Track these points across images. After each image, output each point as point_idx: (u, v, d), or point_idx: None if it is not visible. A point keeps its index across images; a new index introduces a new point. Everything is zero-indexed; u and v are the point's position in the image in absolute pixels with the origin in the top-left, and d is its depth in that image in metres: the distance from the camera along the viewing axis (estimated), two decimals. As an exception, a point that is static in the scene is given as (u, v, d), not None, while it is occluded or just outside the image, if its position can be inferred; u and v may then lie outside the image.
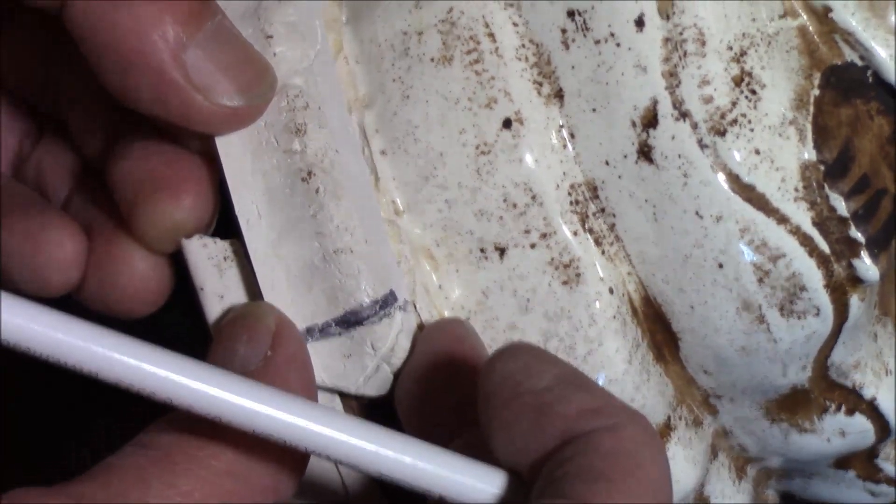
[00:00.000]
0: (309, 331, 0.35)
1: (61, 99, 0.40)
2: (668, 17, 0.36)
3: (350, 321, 0.35)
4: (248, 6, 0.37)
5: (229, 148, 0.36)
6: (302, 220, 0.35)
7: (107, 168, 0.37)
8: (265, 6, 0.37)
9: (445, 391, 0.35)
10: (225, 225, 0.37)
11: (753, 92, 0.36)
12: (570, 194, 0.38)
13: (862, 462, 0.43)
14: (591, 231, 0.38)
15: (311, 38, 0.37)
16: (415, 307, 0.37)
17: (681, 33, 0.36)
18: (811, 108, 0.37)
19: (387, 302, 0.35)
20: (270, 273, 0.36)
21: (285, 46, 0.36)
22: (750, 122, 0.36)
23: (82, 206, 0.39)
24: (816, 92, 0.37)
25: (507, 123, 0.37)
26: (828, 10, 0.37)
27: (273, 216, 0.36)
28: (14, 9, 0.40)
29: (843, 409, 0.40)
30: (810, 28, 0.37)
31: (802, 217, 0.37)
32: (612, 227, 0.38)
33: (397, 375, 0.36)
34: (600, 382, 0.37)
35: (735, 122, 0.36)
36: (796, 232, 0.36)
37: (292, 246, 0.35)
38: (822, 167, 0.37)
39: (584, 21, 0.37)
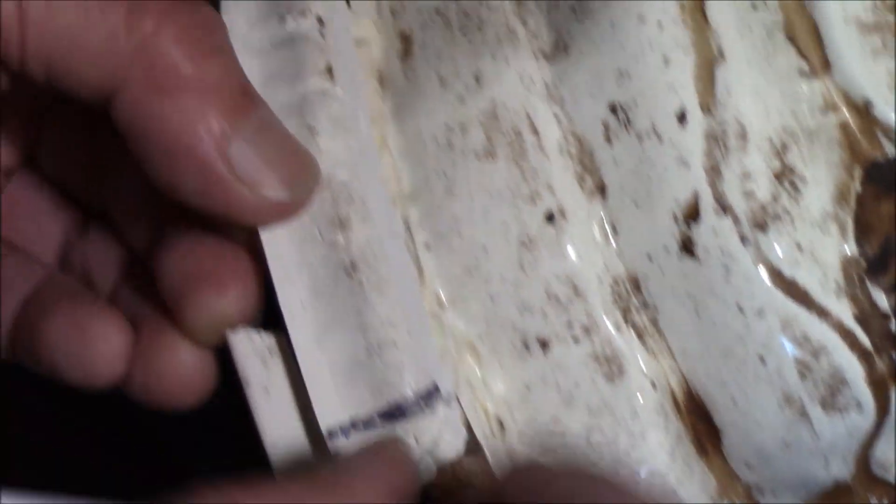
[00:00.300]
0: (353, 423, 0.36)
1: (107, 191, 0.41)
2: (709, 112, 0.37)
3: (394, 414, 0.36)
4: (292, 100, 0.37)
5: (274, 241, 0.36)
6: (346, 313, 0.36)
7: (152, 260, 0.38)
8: (310, 100, 0.37)
9: None
10: (271, 315, 0.38)
11: (795, 187, 0.37)
12: (612, 288, 0.38)
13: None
14: (633, 325, 0.38)
15: (355, 132, 0.37)
16: (458, 400, 0.37)
17: (722, 128, 0.37)
18: (852, 203, 0.37)
19: (430, 395, 0.36)
20: (315, 366, 0.36)
21: (330, 140, 0.37)
22: (791, 216, 0.37)
23: (128, 297, 0.40)
24: (858, 187, 0.37)
25: (549, 217, 0.38)
26: (869, 105, 0.37)
27: (317, 309, 0.36)
28: (61, 100, 0.40)
29: (886, 504, 0.40)
30: (851, 123, 0.38)
31: (844, 312, 0.37)
32: (654, 320, 0.38)
33: (440, 467, 0.37)
34: (643, 476, 0.38)
35: (776, 216, 0.37)
36: (838, 327, 0.37)
37: (336, 339, 0.36)
38: (863, 262, 0.37)
39: (627, 116, 0.38)
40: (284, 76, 0.37)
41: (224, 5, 0.39)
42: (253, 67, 0.37)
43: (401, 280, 0.37)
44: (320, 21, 0.38)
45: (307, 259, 0.36)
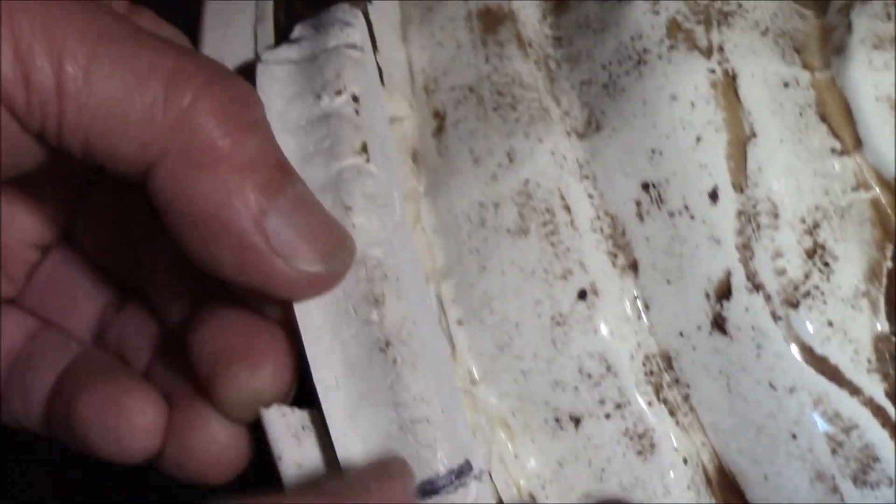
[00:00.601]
0: None
1: (143, 267, 0.41)
2: (741, 190, 0.37)
3: (426, 490, 0.36)
4: (327, 177, 0.38)
5: (308, 317, 0.37)
6: (379, 390, 0.36)
7: (186, 336, 0.38)
8: (345, 177, 0.37)
9: None
10: (304, 390, 0.38)
11: (826, 264, 0.37)
12: (644, 365, 0.38)
13: None
14: (665, 401, 0.38)
15: (389, 210, 0.38)
16: (490, 477, 0.37)
17: (754, 206, 0.37)
18: (884, 280, 0.38)
19: (462, 472, 0.36)
20: (348, 442, 0.36)
21: (364, 217, 0.37)
22: (823, 294, 0.37)
23: (163, 373, 0.40)
24: (889, 264, 0.38)
25: (582, 294, 0.38)
26: (900, 182, 0.38)
27: (351, 385, 0.36)
28: (96, 177, 0.41)
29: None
30: (883, 200, 0.38)
31: (875, 388, 0.37)
32: (686, 397, 0.38)
33: (472, 544, 0.37)
34: (675, 552, 0.38)
35: (808, 294, 0.37)
36: (869, 403, 0.37)
37: (370, 415, 0.36)
38: (894, 339, 0.37)
39: (659, 193, 0.38)
40: (320, 153, 0.38)
41: (260, 82, 0.39)
42: (289, 144, 0.38)
43: (434, 357, 0.37)
44: (355, 99, 0.38)
45: (341, 336, 0.37)
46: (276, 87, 0.39)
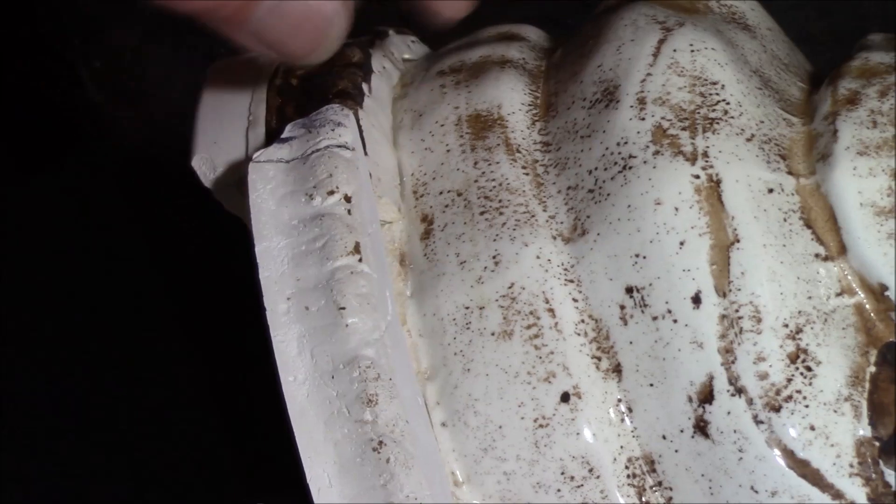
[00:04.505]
0: None
1: None
2: (724, 295, 0.39)
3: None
4: (319, 276, 0.40)
5: (302, 417, 0.39)
6: (372, 489, 0.38)
7: None
8: (338, 277, 0.39)
9: None
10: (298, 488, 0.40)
11: (809, 369, 0.39)
12: (627, 467, 0.40)
13: None
14: (648, 504, 0.41)
15: (382, 310, 0.40)
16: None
17: (737, 310, 0.39)
18: (867, 385, 0.39)
19: None
20: None
21: (357, 318, 0.39)
22: (805, 398, 0.39)
23: None
24: (872, 369, 0.40)
25: (565, 397, 0.40)
26: (884, 287, 0.40)
27: (343, 485, 0.38)
28: None
29: None
30: (867, 306, 0.40)
31: (857, 493, 0.39)
32: (668, 500, 0.40)
33: None
34: None
35: (790, 398, 0.39)
36: (852, 508, 0.39)
37: None
38: (877, 443, 0.39)
39: (643, 297, 0.40)
40: (313, 253, 0.40)
41: (251, 181, 0.41)
42: (280, 243, 0.40)
43: (426, 456, 0.39)
44: (348, 199, 0.41)
45: (334, 436, 0.38)
46: (268, 186, 0.41)
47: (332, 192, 0.41)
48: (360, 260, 0.40)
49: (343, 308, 0.39)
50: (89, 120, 0.88)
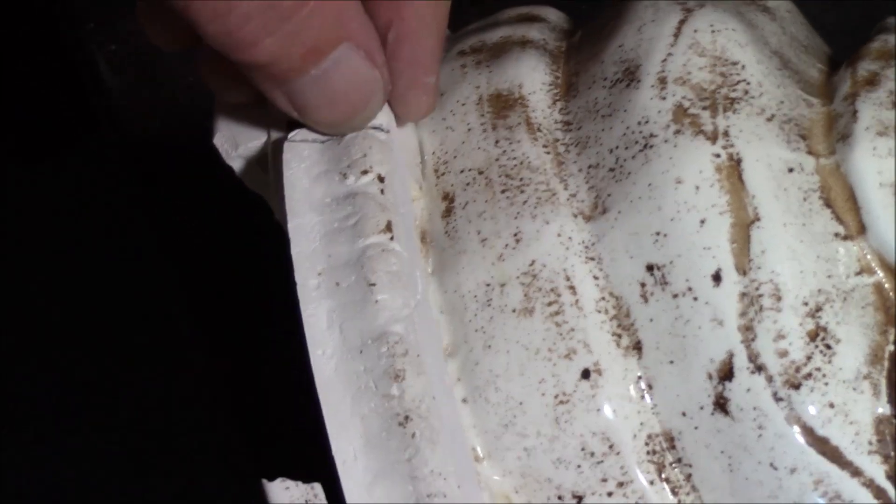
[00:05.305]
0: None
1: None
2: (744, 273, 0.40)
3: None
4: (351, 253, 0.40)
5: (329, 391, 0.39)
6: (397, 464, 0.38)
7: None
8: (369, 254, 0.40)
9: None
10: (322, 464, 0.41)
11: (828, 347, 0.40)
12: (647, 444, 0.41)
13: None
14: (667, 480, 0.41)
15: (412, 288, 0.40)
16: (500, 553, 0.40)
17: (757, 289, 0.40)
18: (886, 364, 0.40)
19: None
20: None
21: (387, 294, 0.40)
22: (824, 376, 0.39)
23: None
24: (891, 347, 0.40)
25: (585, 374, 0.41)
26: (903, 267, 0.40)
27: (369, 459, 0.39)
28: None
29: None
30: (886, 285, 0.41)
31: (876, 470, 0.39)
32: (688, 476, 0.41)
33: None
34: None
35: (810, 375, 0.39)
36: (870, 485, 0.39)
37: (386, 488, 0.38)
38: (895, 421, 0.40)
39: (663, 275, 0.41)
40: (345, 230, 0.41)
41: (286, 159, 0.42)
42: (314, 220, 0.41)
43: (451, 432, 0.40)
44: (381, 179, 0.41)
45: (361, 410, 0.39)
46: (302, 165, 0.42)
47: (365, 172, 0.42)
48: (392, 238, 0.41)
49: (373, 284, 0.40)
50: (104, 103, 0.89)
